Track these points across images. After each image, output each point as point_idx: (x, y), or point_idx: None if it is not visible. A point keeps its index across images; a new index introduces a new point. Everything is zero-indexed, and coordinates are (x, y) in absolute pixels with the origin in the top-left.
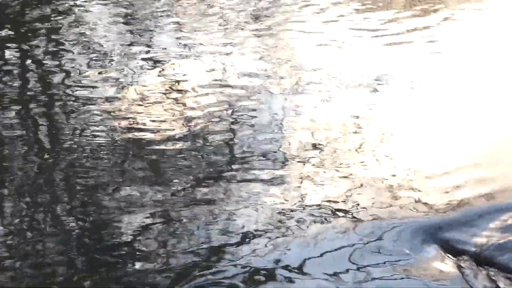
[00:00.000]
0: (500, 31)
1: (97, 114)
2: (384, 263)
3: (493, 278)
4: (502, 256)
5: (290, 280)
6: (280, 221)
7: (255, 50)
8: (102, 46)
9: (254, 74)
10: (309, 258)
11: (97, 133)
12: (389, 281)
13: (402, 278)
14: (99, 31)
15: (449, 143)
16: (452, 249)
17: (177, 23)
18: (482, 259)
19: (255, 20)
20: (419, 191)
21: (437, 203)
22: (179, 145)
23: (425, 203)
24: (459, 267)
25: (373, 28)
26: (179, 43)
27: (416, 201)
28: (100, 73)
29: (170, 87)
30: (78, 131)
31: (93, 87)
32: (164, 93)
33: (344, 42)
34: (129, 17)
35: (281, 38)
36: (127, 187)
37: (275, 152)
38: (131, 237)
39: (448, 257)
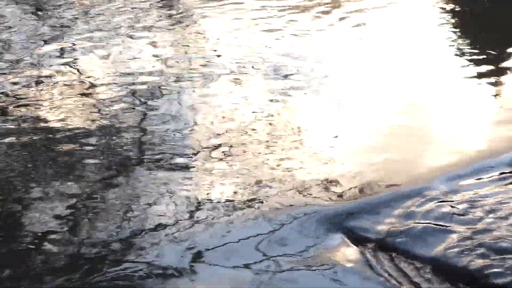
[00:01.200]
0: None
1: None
2: (291, 252)
3: (397, 264)
4: (405, 242)
5: (198, 271)
6: (189, 212)
7: (166, 42)
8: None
9: (164, 67)
10: (218, 249)
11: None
12: (295, 272)
13: (308, 267)
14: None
15: (354, 132)
16: (356, 237)
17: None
18: (386, 246)
19: (167, 12)
20: (326, 179)
21: (343, 191)
22: (87, 140)
23: (332, 192)
24: (364, 255)
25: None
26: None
27: (323, 190)
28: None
29: (77, 82)
30: None
31: None
32: (72, 88)
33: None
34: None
35: (193, 30)
36: (36, 183)
37: (185, 144)
38: (39, 233)
39: (353, 245)
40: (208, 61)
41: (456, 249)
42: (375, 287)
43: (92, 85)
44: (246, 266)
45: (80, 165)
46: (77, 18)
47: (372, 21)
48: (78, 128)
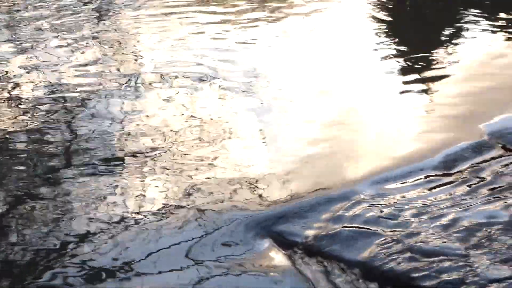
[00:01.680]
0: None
1: None
2: (220, 258)
3: (325, 267)
4: (333, 246)
5: (128, 278)
6: (120, 218)
7: (93, 46)
8: None
9: (93, 71)
10: (149, 255)
11: None
12: (224, 277)
13: (237, 273)
14: None
15: (284, 136)
16: (285, 242)
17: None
18: (314, 250)
19: (97, 18)
20: (256, 184)
21: (272, 195)
22: (15, 145)
23: (261, 196)
24: (292, 259)
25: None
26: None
27: (252, 195)
28: None
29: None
30: None
31: None
32: None
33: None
34: None
35: (119, 35)
36: None
37: (114, 149)
38: None
39: (281, 249)
40: (139, 65)
41: (383, 252)
42: None
43: (16, 90)
44: (176, 272)
45: (6, 170)
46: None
47: (301, 28)
48: (2, 135)
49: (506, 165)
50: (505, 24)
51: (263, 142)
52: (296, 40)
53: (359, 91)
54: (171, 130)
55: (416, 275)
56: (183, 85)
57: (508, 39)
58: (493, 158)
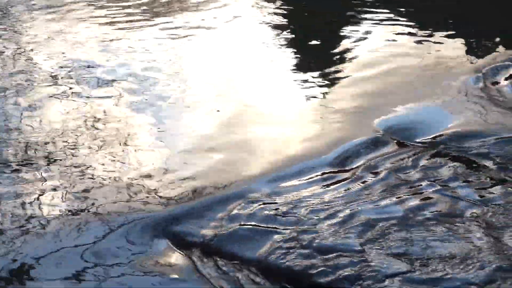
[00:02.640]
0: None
1: None
2: (118, 260)
3: (222, 267)
4: (230, 245)
5: (26, 283)
6: (17, 220)
7: None
8: None
9: None
10: (47, 259)
11: None
12: (122, 278)
13: (134, 274)
14: None
15: (179, 137)
16: (182, 242)
17: None
18: (211, 249)
19: None
20: (153, 185)
21: (169, 196)
22: None
23: (158, 197)
24: (190, 260)
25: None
26: None
27: (149, 196)
28: None
29: None
30: None
31: None
32: None
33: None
34: None
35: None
36: None
37: (11, 153)
38: None
39: (178, 250)
40: (32, 68)
41: (280, 250)
42: None
43: None
44: (75, 275)
45: None
46: None
47: (201, 34)
48: None
49: (400, 160)
50: (399, 19)
51: (161, 142)
52: (194, 40)
53: (255, 89)
54: (66, 132)
55: (313, 271)
56: (78, 86)
57: (402, 33)
58: (387, 154)
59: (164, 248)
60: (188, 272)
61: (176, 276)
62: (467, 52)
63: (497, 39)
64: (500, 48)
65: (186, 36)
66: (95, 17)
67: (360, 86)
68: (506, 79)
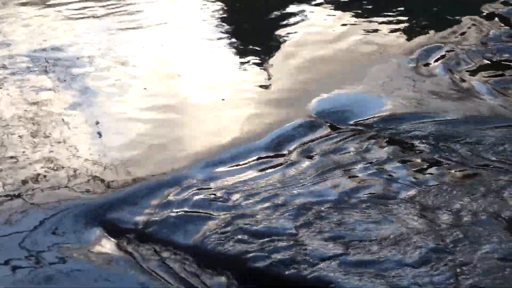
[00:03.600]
0: None
1: None
2: (51, 247)
3: (157, 252)
4: (164, 231)
5: None
6: None
7: None
8: None
9: None
10: None
11: None
12: (55, 266)
13: (68, 262)
14: None
15: (116, 125)
16: (116, 229)
17: None
18: (145, 236)
19: None
20: (87, 173)
21: (104, 183)
22: None
23: (94, 184)
24: (123, 246)
25: None
26: None
27: (85, 183)
28: None
29: None
30: None
31: None
32: None
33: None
34: None
35: None
36: None
37: None
38: None
39: (112, 237)
40: None
41: (216, 235)
42: (135, 279)
43: None
44: (8, 263)
45: None
46: None
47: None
48: None
49: (333, 143)
50: (336, 5)
51: (97, 129)
52: (133, 29)
53: (190, 74)
54: (6, 122)
55: (248, 256)
56: (17, 78)
57: (339, 18)
58: (321, 137)
59: (97, 236)
60: (121, 259)
61: (108, 263)
62: (401, 36)
63: (428, 22)
64: (431, 32)
65: (122, 29)
66: None
67: (295, 70)
68: (436, 60)
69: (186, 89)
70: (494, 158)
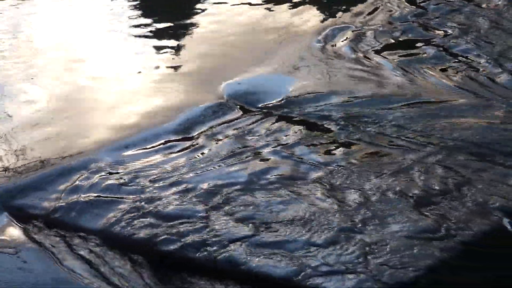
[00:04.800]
0: None
1: None
2: None
3: (65, 238)
4: (72, 216)
5: None
6: None
7: None
8: None
9: None
10: None
11: None
12: None
13: None
14: None
15: (20, 110)
16: (23, 215)
17: None
18: (53, 222)
19: None
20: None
21: (11, 169)
22: None
23: (0, 170)
24: (31, 232)
25: None
26: None
27: None
28: None
29: None
30: None
31: None
32: None
33: None
34: None
35: None
36: None
37: None
38: None
39: (19, 223)
40: None
41: (125, 220)
42: (43, 265)
43: None
44: None
45: None
46: None
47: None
48: None
49: (244, 126)
50: None
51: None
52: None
53: (102, 58)
54: None
55: (158, 240)
56: None
57: (249, 3)
58: (231, 120)
59: (4, 222)
60: (28, 245)
61: (15, 250)
62: (311, 17)
63: (337, 3)
64: (340, 12)
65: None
66: None
67: (206, 53)
68: (343, 40)
69: (93, 73)
70: (401, 137)
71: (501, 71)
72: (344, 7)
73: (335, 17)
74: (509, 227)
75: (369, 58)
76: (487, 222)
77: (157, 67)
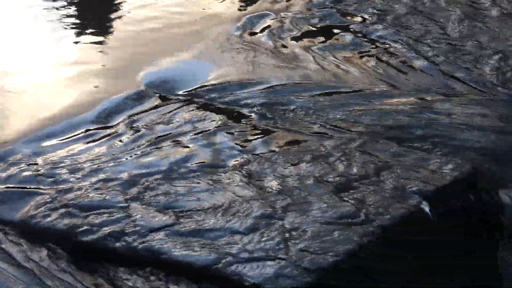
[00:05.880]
0: None
1: None
2: None
3: None
4: None
5: None
6: None
7: None
8: None
9: None
10: None
11: None
12: None
13: None
14: None
15: None
16: None
17: None
18: None
19: None
20: None
21: None
22: None
23: None
24: None
25: None
26: None
27: None
28: None
29: None
30: None
31: None
32: None
33: None
34: None
35: None
36: None
37: None
38: None
39: None
40: None
41: (43, 211)
42: None
43: None
44: None
45: None
46: None
47: None
48: None
49: (163, 114)
50: None
51: None
52: None
53: (19, 52)
54: None
55: (77, 230)
56: None
57: None
58: (150, 108)
59: None
60: None
61: None
62: (231, 5)
63: None
64: (259, 0)
65: None
66: None
67: (124, 41)
68: (262, 28)
69: (8, 67)
70: (318, 124)
71: (417, 57)
72: None
73: (256, 5)
74: (427, 210)
75: (286, 46)
76: (406, 206)
77: (76, 60)
